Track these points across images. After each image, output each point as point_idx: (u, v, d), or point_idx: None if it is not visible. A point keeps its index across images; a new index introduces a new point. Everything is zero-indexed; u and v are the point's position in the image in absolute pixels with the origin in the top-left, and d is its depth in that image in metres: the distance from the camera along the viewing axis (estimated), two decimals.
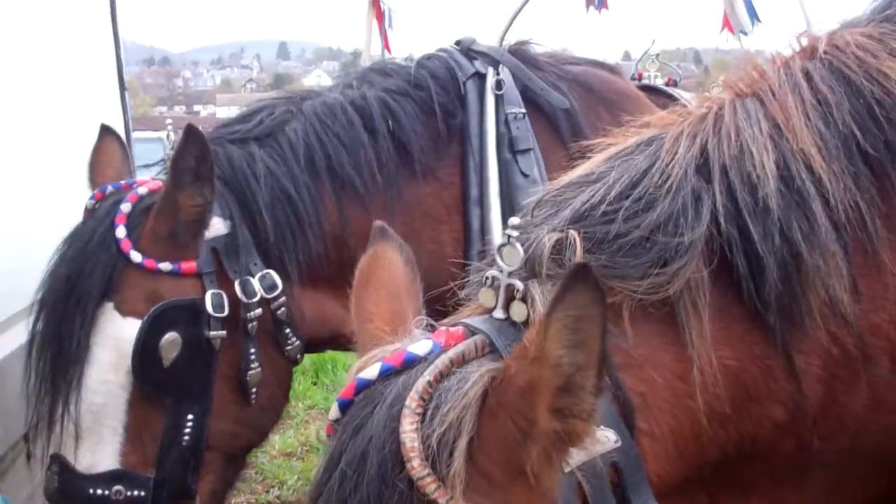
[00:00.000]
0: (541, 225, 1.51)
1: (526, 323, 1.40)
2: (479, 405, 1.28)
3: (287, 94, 2.98)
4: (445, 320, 1.51)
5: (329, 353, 7.01)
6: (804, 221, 1.48)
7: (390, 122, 2.88)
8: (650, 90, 4.38)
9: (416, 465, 1.27)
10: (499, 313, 1.44)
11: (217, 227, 2.57)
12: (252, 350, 2.57)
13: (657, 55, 4.72)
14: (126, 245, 2.45)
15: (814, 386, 1.46)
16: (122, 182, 2.64)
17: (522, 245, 1.44)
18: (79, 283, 2.43)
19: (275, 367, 2.66)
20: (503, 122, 3.06)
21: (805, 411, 1.46)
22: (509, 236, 1.44)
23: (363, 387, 1.40)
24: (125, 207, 2.50)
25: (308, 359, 6.86)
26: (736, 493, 1.49)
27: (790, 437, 1.47)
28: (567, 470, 1.32)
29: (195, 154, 2.41)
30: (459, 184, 3.01)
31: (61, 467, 2.43)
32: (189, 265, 2.49)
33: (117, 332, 2.43)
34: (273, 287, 2.60)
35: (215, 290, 2.50)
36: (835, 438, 1.49)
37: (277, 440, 5.76)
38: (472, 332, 1.41)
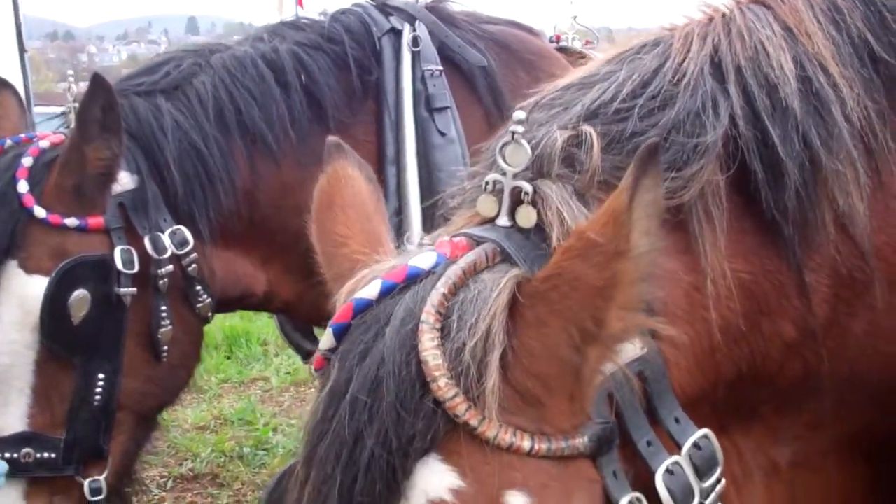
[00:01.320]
0: (547, 123, 1.38)
1: (537, 229, 1.28)
2: (506, 314, 1.17)
3: (194, 48, 2.90)
4: (435, 233, 1.39)
5: (242, 327, 6.96)
6: (823, 126, 1.42)
7: (303, 76, 2.82)
8: (569, 52, 4.37)
9: (443, 385, 1.14)
10: (503, 220, 1.30)
11: (124, 181, 2.50)
12: (163, 307, 2.51)
13: (575, 17, 4.71)
14: (29, 200, 2.36)
15: (821, 305, 1.42)
16: (22, 136, 2.54)
17: (528, 143, 1.29)
18: None
19: (186, 324, 2.60)
20: (420, 79, 3.02)
21: (813, 331, 1.41)
22: (513, 133, 1.28)
23: (362, 308, 1.25)
24: (27, 161, 2.41)
25: (221, 332, 6.83)
26: (742, 420, 1.44)
27: (797, 360, 1.43)
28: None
29: (102, 105, 2.34)
30: (375, 141, 2.97)
31: None
32: (96, 221, 2.41)
33: (22, 290, 2.34)
34: (184, 243, 2.54)
35: (124, 247, 2.43)
36: (834, 364, 1.45)
37: (190, 414, 5.69)
38: (476, 241, 1.29)
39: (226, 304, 2.78)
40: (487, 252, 1.26)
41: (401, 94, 2.98)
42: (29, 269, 2.35)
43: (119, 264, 2.40)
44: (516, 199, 1.29)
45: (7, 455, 2.33)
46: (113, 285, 2.40)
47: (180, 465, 5.38)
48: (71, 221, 2.38)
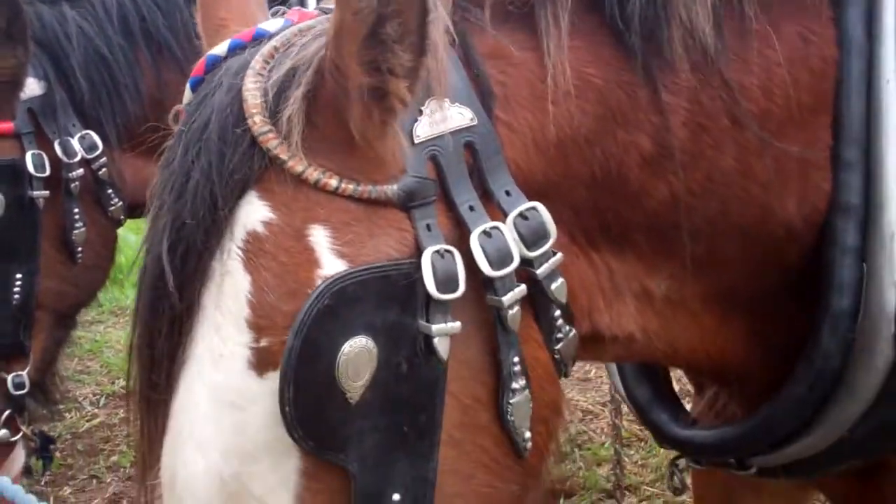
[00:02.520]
0: None
1: None
2: (317, 63, 1.22)
3: None
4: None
5: None
6: None
7: None
8: None
9: (258, 121, 1.21)
10: None
11: (32, 88, 2.59)
12: (75, 210, 2.62)
13: None
14: None
15: (680, 128, 1.44)
16: None
17: None
18: None
19: (98, 227, 2.72)
20: None
21: (672, 152, 1.43)
22: None
23: (213, 63, 1.33)
24: None
25: None
26: (612, 243, 1.46)
27: (662, 183, 1.45)
28: (420, 140, 1.27)
29: (7, 14, 2.42)
30: None
31: None
32: (6, 126, 2.51)
33: None
34: (93, 147, 2.65)
35: (35, 151, 2.53)
36: (704, 199, 1.47)
37: (122, 335, 5.78)
38: (326, 12, 1.32)
39: (139, 209, 2.88)
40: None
41: None
42: None
43: (30, 168, 2.50)
44: None
45: None
46: (26, 188, 2.51)
47: (112, 383, 5.49)
48: None
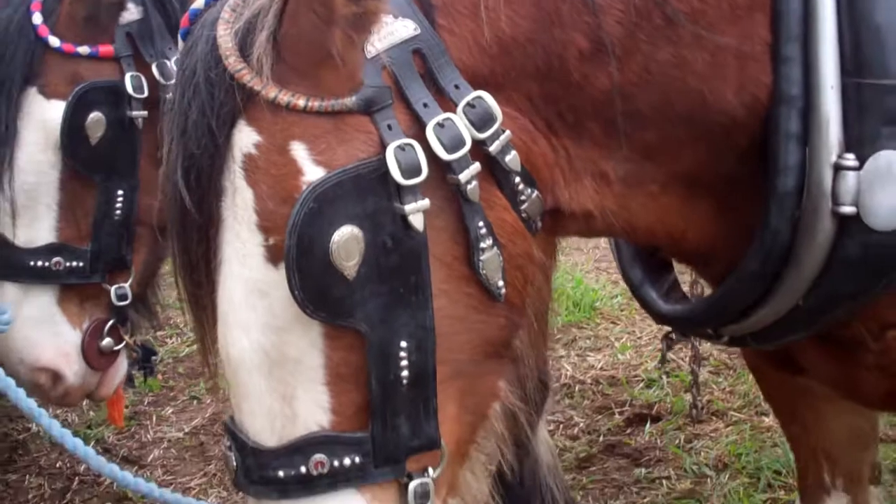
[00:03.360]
0: None
1: None
2: (280, 6, 1.42)
3: None
4: None
5: None
6: None
7: None
8: None
9: (232, 62, 1.44)
10: None
11: (131, 12, 2.70)
12: None
13: None
14: (43, 31, 2.59)
15: (614, 26, 1.57)
16: None
17: None
18: (0, 71, 2.57)
19: None
20: None
21: (607, 48, 1.57)
22: None
23: (195, 15, 1.55)
24: None
25: None
26: (568, 129, 1.61)
27: (600, 73, 1.59)
28: (372, 55, 1.47)
29: None
30: None
31: (1, 243, 2.63)
32: (107, 48, 2.63)
33: (43, 115, 2.59)
34: None
35: (133, 73, 2.65)
36: (644, 88, 1.61)
37: None
38: None
39: None
40: None
41: None
42: (48, 95, 2.60)
43: (130, 89, 2.63)
44: None
45: (39, 263, 2.61)
46: (125, 109, 2.64)
47: None
48: (83, 49, 2.61)
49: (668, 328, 2.11)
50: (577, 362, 5.01)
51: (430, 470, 1.53)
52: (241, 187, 1.46)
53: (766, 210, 1.64)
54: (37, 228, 2.63)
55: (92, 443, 4.48)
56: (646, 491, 3.98)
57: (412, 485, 1.51)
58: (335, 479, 1.48)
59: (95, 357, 2.74)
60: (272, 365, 1.47)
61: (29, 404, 2.32)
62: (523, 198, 1.56)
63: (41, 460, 4.41)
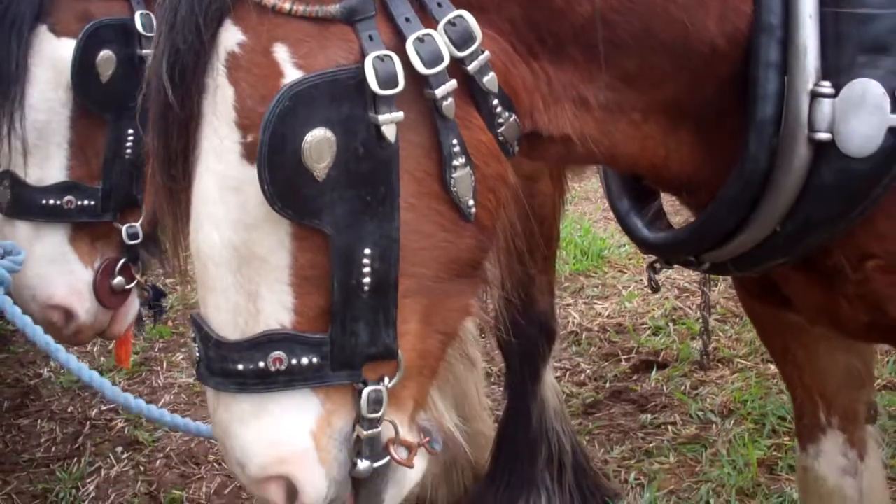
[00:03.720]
0: None
1: None
2: None
3: None
4: None
5: None
6: None
7: None
8: None
9: None
10: None
11: None
12: None
13: None
14: None
15: None
16: None
17: None
18: (10, 9, 2.58)
19: None
20: None
21: None
22: None
23: None
24: None
25: None
26: (549, 53, 1.64)
27: (585, 2, 1.62)
28: None
29: None
30: None
31: (13, 181, 2.64)
32: None
33: (54, 52, 2.60)
34: None
35: (143, 11, 2.65)
36: (626, 15, 1.64)
37: None
38: None
39: None
40: None
41: None
42: (58, 33, 2.61)
43: (139, 27, 2.63)
44: None
45: (51, 202, 2.63)
46: (135, 47, 2.64)
47: None
48: None
49: (653, 257, 2.12)
50: (585, 310, 5.05)
51: (387, 379, 1.57)
52: (223, 85, 1.50)
53: (745, 138, 1.68)
54: (48, 167, 2.64)
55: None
56: (651, 436, 4.02)
57: (366, 391, 1.55)
58: (292, 378, 1.53)
59: (107, 296, 2.76)
60: (240, 262, 1.52)
61: (46, 340, 2.34)
62: (500, 120, 1.58)
63: (53, 405, 4.46)
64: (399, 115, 1.48)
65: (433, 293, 1.60)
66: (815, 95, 1.62)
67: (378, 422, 1.58)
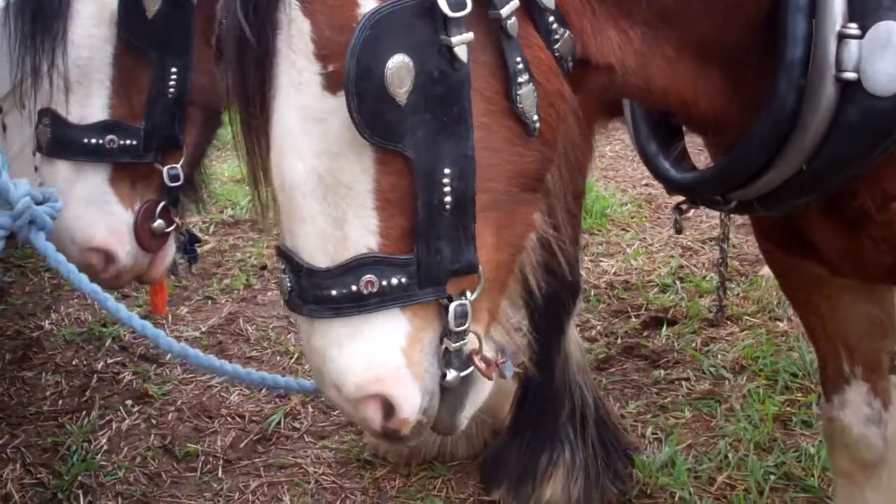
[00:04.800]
0: None
1: None
2: None
3: None
4: None
5: None
6: None
7: None
8: None
9: None
10: None
11: None
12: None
13: None
14: None
15: None
16: None
17: None
18: None
19: None
20: None
21: None
22: None
23: None
24: None
25: None
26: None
27: None
28: None
29: None
30: None
31: (53, 120, 2.56)
32: None
33: None
34: None
35: None
36: None
37: (226, 168, 5.92)
38: None
39: None
40: None
41: None
42: None
43: None
44: None
45: (93, 141, 2.56)
46: None
47: (221, 212, 5.66)
48: None
49: (679, 199, 2.20)
50: (591, 267, 5.04)
51: (469, 293, 1.66)
52: (298, 18, 1.54)
53: (774, 79, 1.75)
54: (90, 105, 2.56)
55: (108, 341, 4.48)
56: (666, 392, 4.03)
57: (453, 305, 1.64)
58: (383, 299, 1.60)
59: (147, 238, 2.70)
60: (326, 190, 1.58)
61: (93, 288, 2.29)
62: (556, 37, 1.65)
63: (56, 358, 4.40)
64: (469, 35, 1.53)
65: (504, 207, 1.67)
66: (841, 37, 1.69)
67: (465, 334, 1.66)
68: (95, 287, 2.31)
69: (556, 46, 1.66)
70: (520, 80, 1.61)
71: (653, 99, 1.91)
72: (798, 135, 1.76)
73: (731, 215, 2.57)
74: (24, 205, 2.25)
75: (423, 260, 1.60)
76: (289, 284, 1.64)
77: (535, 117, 1.64)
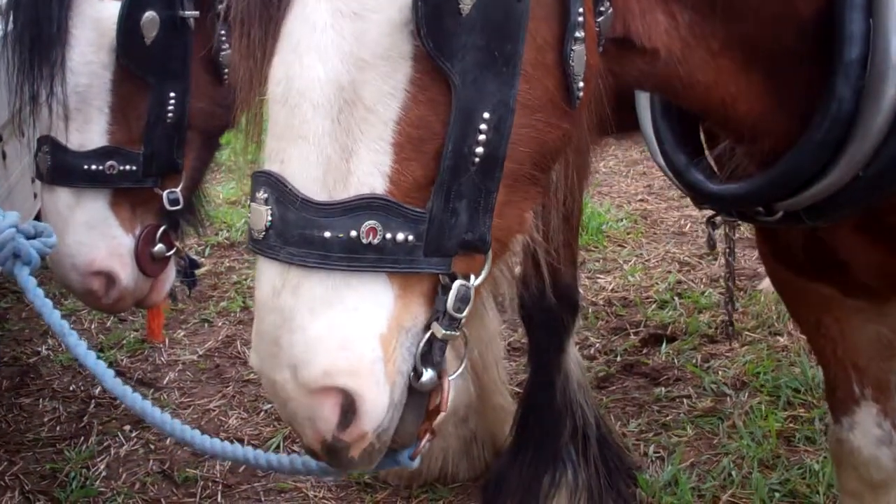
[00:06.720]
0: None
1: None
2: None
3: None
4: None
5: None
6: None
7: None
8: None
9: None
10: None
11: None
12: (223, 32, 2.67)
13: None
14: None
15: None
16: None
17: None
18: None
19: None
20: None
21: None
22: None
23: None
24: None
25: None
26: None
27: None
28: None
29: None
30: None
31: (53, 147, 2.55)
32: None
33: (97, 14, 2.52)
34: None
35: None
36: None
37: (221, 190, 5.91)
38: None
39: None
40: None
41: None
42: None
43: None
44: None
45: (93, 167, 2.55)
46: (177, 8, 2.57)
47: (217, 234, 5.64)
48: None
49: (710, 213, 2.12)
50: (589, 284, 5.03)
51: (473, 277, 1.44)
52: None
53: (831, 80, 1.67)
54: (89, 132, 2.56)
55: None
56: (667, 409, 4.02)
57: (456, 283, 1.41)
58: (381, 258, 1.36)
59: (148, 263, 2.69)
60: (342, 105, 1.35)
61: (61, 325, 2.16)
62: (602, 8, 1.51)
63: (54, 383, 4.37)
64: None
65: (516, 185, 1.48)
66: None
67: (459, 324, 1.43)
68: (65, 323, 2.18)
69: (599, 20, 1.51)
70: (577, 34, 1.44)
71: (694, 94, 1.77)
72: (857, 138, 1.67)
73: (735, 228, 2.48)
74: (6, 237, 2.05)
75: (436, 218, 1.37)
76: (269, 218, 1.37)
77: (581, 85, 1.46)
